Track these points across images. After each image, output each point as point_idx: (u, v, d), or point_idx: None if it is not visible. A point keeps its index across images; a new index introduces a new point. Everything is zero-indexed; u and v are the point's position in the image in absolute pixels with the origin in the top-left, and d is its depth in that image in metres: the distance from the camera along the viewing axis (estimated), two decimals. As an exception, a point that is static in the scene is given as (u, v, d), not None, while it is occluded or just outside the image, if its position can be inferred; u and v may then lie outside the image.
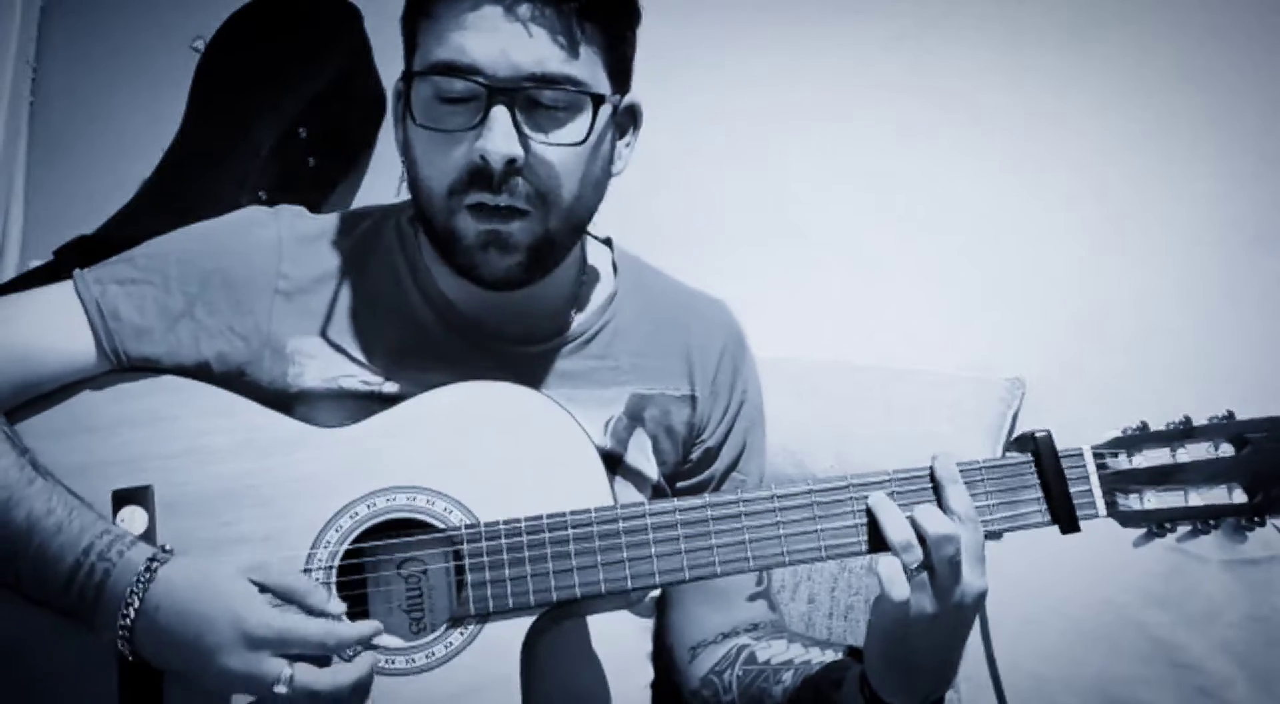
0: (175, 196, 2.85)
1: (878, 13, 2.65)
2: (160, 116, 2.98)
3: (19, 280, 2.74)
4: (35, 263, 2.90)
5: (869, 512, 1.48)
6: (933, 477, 1.48)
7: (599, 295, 1.73)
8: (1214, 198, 2.42)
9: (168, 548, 1.48)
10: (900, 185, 2.62)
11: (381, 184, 3.00)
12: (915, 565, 1.43)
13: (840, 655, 1.63)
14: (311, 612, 1.44)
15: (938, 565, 1.43)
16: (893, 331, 2.59)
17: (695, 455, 1.76)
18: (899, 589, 1.41)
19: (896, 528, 1.44)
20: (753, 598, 1.76)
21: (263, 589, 1.43)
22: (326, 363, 1.61)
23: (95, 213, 2.84)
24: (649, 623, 1.73)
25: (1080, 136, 2.51)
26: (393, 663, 1.49)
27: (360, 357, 1.62)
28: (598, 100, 1.51)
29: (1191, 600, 2.27)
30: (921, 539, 1.44)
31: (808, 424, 2.22)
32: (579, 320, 1.70)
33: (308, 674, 1.40)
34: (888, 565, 1.42)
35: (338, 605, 1.46)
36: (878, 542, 1.47)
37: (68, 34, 3.31)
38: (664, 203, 2.58)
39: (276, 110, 2.87)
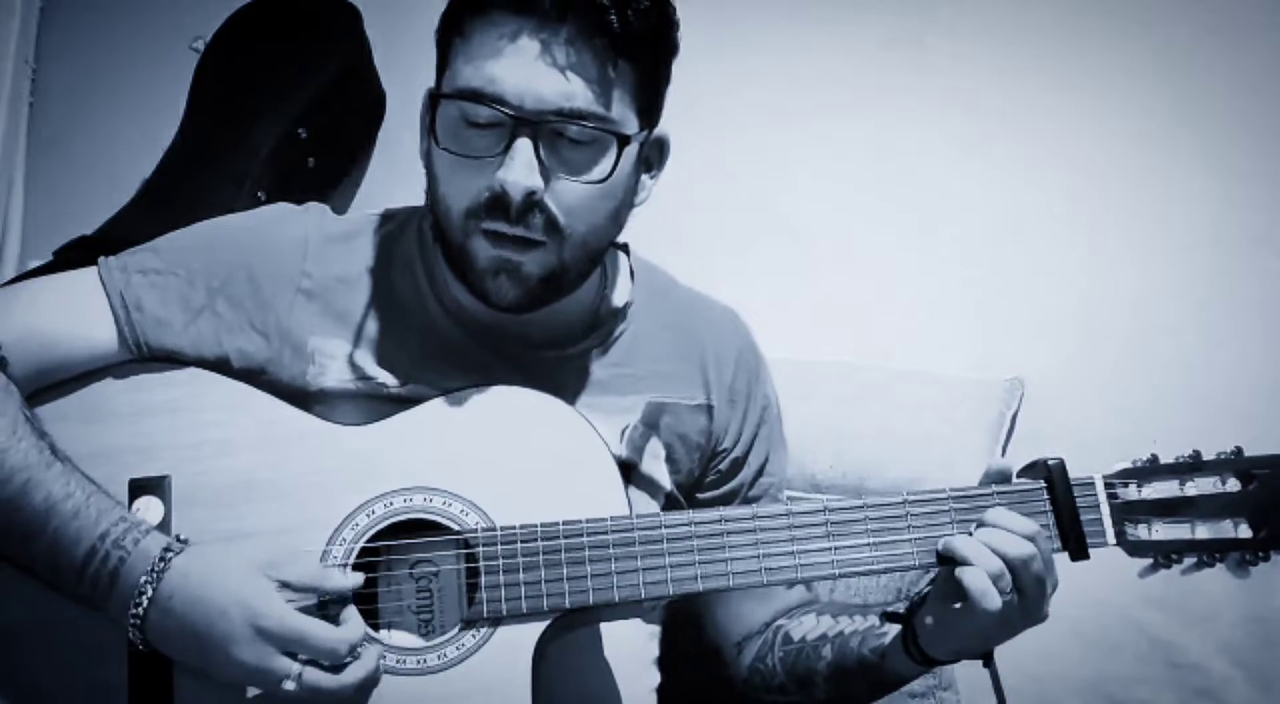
0: (175, 197, 2.85)
1: (878, 13, 2.65)
2: (160, 116, 2.97)
3: (18, 280, 2.74)
4: (35, 263, 2.89)
5: (940, 556, 1.51)
6: (981, 524, 1.50)
7: (618, 303, 1.73)
8: (1214, 198, 2.43)
9: (183, 538, 1.49)
10: (900, 185, 2.62)
11: (381, 185, 3.00)
12: (1009, 590, 1.45)
13: (872, 620, 1.66)
14: (330, 596, 1.46)
15: (1026, 585, 1.46)
16: (892, 332, 2.60)
17: (722, 466, 1.76)
18: (992, 599, 1.44)
19: (987, 559, 1.46)
20: (792, 584, 1.77)
21: (281, 586, 1.44)
22: (347, 364, 1.62)
23: (95, 213, 2.83)
24: (656, 629, 1.74)
25: (1080, 136, 2.51)
26: (404, 663, 1.49)
27: (382, 367, 1.62)
28: (623, 140, 1.50)
29: (1191, 601, 2.28)
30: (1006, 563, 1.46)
31: (807, 424, 2.22)
32: (598, 328, 1.71)
33: (316, 672, 1.42)
34: (974, 576, 1.45)
35: (354, 577, 1.47)
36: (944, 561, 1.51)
37: (67, 34, 3.30)
38: (663, 203, 2.58)
39: (276, 111, 2.87)
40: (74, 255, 2.52)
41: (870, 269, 2.64)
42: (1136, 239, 2.48)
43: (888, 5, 2.66)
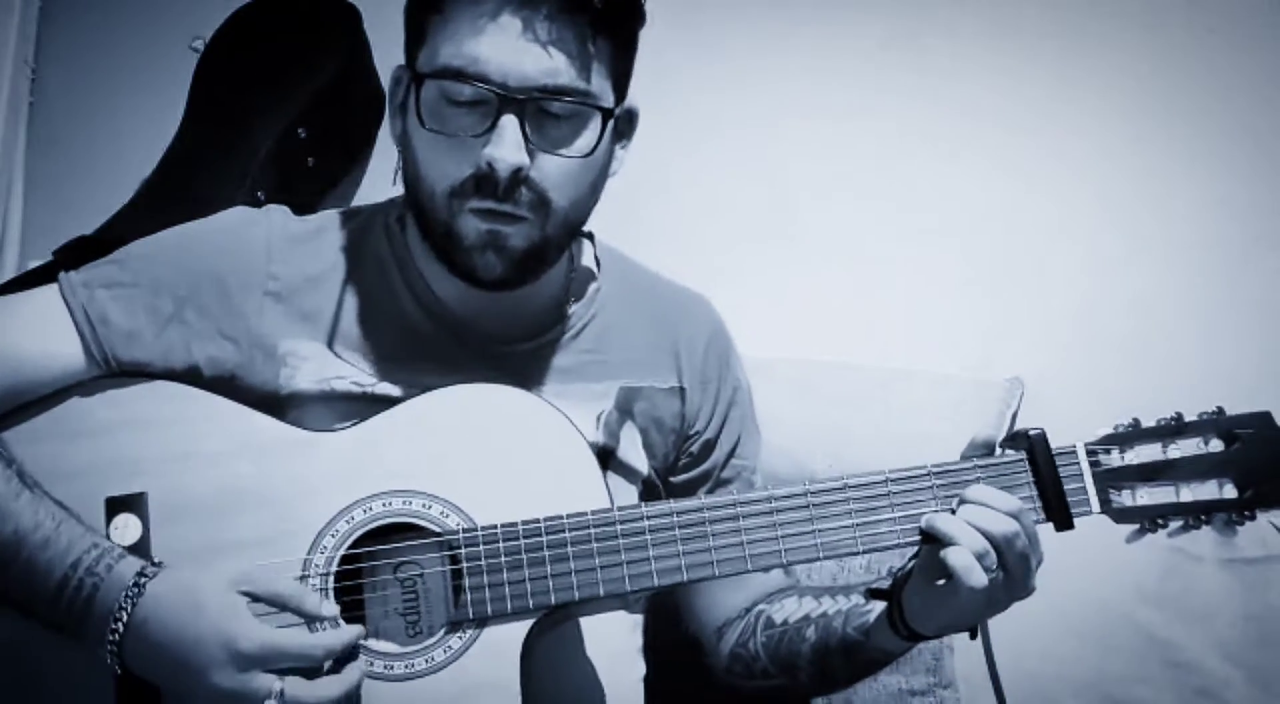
0: (174, 197, 2.85)
1: (877, 12, 2.65)
2: (160, 116, 2.98)
3: (18, 280, 2.74)
4: (34, 263, 2.90)
5: (924, 533, 1.50)
6: (963, 501, 1.50)
7: (585, 288, 1.73)
8: (1214, 198, 2.42)
9: (157, 561, 1.48)
10: (899, 185, 2.62)
11: (381, 184, 2.99)
12: (994, 568, 1.45)
13: (855, 600, 1.66)
14: (304, 616, 1.45)
15: (1011, 562, 1.46)
16: (892, 332, 2.60)
17: (694, 449, 1.77)
18: (977, 576, 1.44)
19: (971, 538, 1.46)
20: (774, 569, 1.77)
21: (253, 599, 1.43)
22: (320, 365, 1.61)
23: (95, 213, 2.83)
24: (640, 619, 1.74)
25: (1080, 136, 2.51)
26: (391, 668, 1.49)
27: (357, 363, 1.62)
28: (606, 114, 1.52)
29: (1188, 599, 2.28)
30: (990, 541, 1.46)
31: (806, 424, 2.22)
32: (567, 314, 1.71)
33: (298, 687, 1.41)
34: (959, 556, 1.44)
35: (331, 608, 1.47)
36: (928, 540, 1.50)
37: (67, 34, 3.31)
38: (663, 203, 2.58)
39: (275, 110, 2.87)
40: (74, 255, 2.52)
41: (870, 269, 2.64)
42: (1136, 239, 2.48)
43: (887, 5, 2.66)
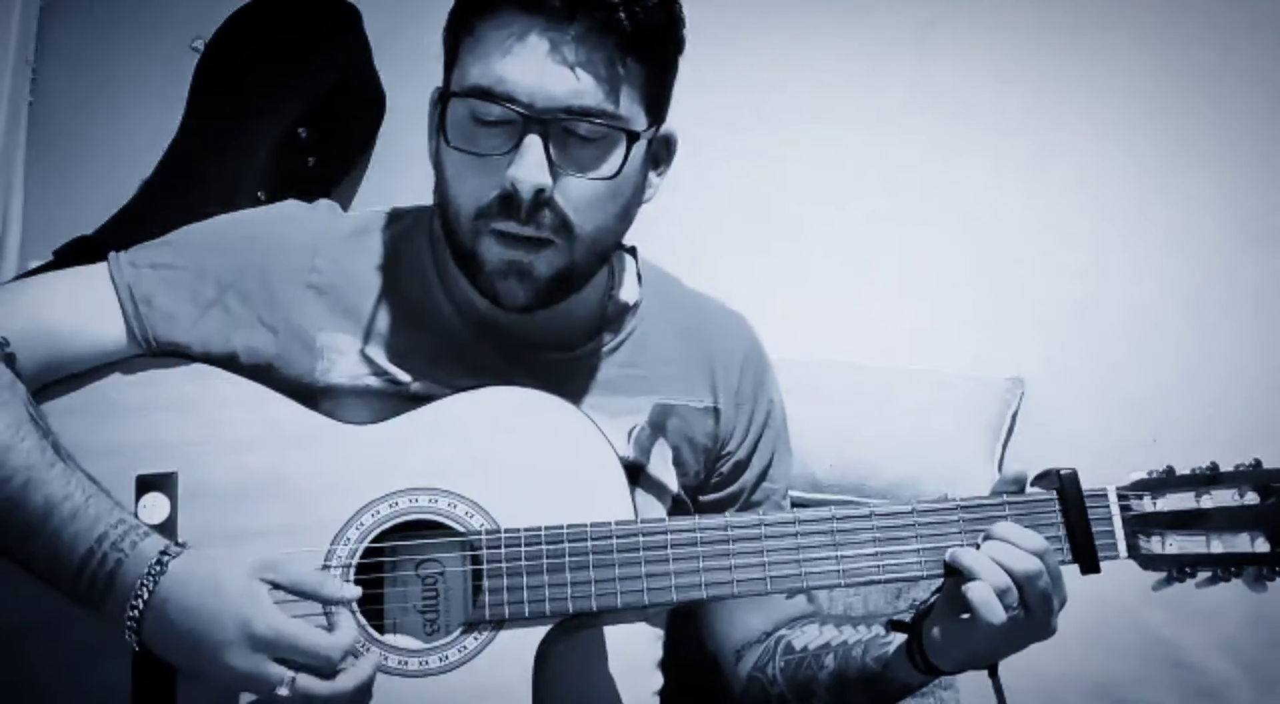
0: (175, 197, 2.85)
1: (879, 15, 2.66)
2: (160, 117, 2.98)
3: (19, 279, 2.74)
4: (35, 263, 2.90)
5: (947, 567, 1.49)
6: (988, 537, 1.48)
7: (625, 303, 1.72)
8: (1214, 198, 2.43)
9: (182, 542, 1.48)
10: (900, 186, 2.63)
11: (382, 184, 3.00)
12: (1015, 606, 1.44)
13: (876, 630, 1.65)
14: (326, 603, 1.45)
15: (1032, 602, 1.44)
16: (893, 332, 2.60)
17: (725, 469, 1.75)
18: (996, 612, 1.42)
19: (993, 574, 1.44)
20: (792, 594, 1.76)
21: (274, 587, 1.43)
22: (356, 360, 1.61)
23: (95, 213, 2.84)
24: (660, 631, 1.73)
25: (1080, 137, 2.52)
26: (406, 664, 1.49)
27: (393, 361, 1.62)
28: (632, 137, 1.50)
29: (1193, 600, 2.27)
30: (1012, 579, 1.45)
31: (808, 424, 2.21)
32: (606, 328, 1.70)
33: (309, 678, 1.40)
34: (979, 591, 1.43)
35: (352, 590, 1.46)
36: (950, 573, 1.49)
37: (68, 34, 3.31)
38: (665, 204, 2.57)
39: (276, 110, 2.87)
40: (74, 256, 2.52)
41: (872, 269, 2.65)
42: (1136, 239, 2.49)
43: (889, 8, 2.67)
